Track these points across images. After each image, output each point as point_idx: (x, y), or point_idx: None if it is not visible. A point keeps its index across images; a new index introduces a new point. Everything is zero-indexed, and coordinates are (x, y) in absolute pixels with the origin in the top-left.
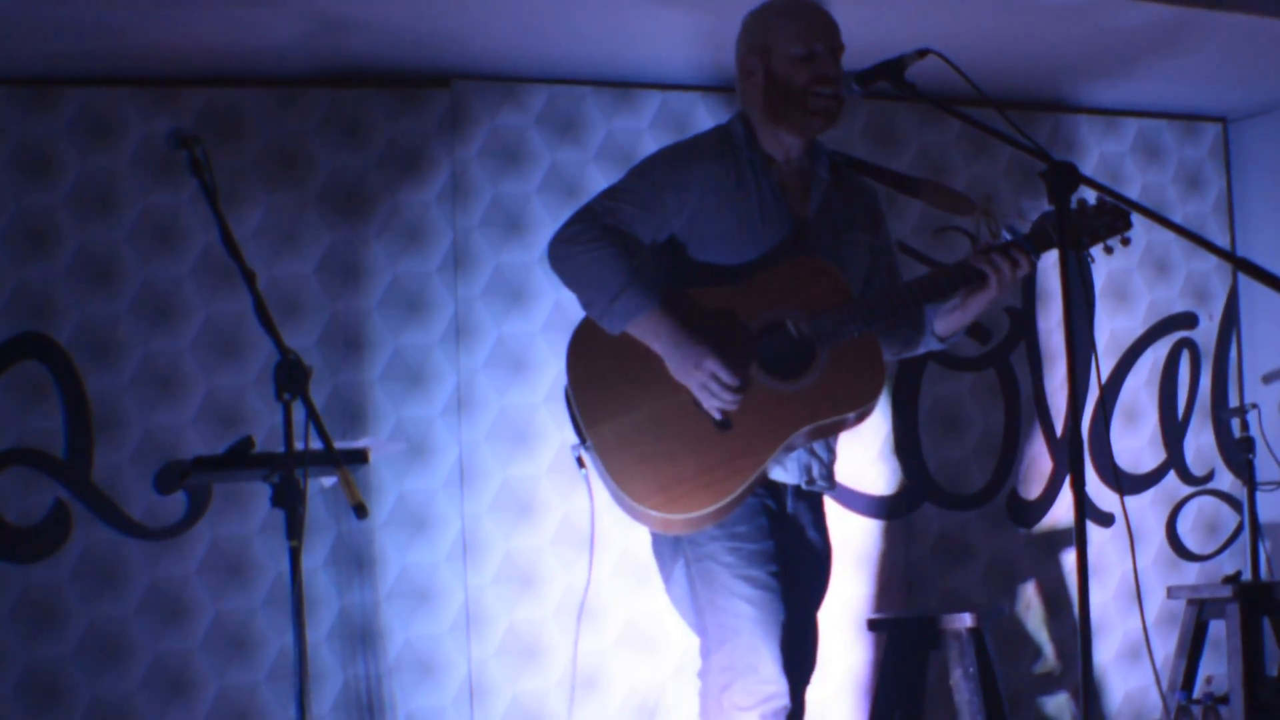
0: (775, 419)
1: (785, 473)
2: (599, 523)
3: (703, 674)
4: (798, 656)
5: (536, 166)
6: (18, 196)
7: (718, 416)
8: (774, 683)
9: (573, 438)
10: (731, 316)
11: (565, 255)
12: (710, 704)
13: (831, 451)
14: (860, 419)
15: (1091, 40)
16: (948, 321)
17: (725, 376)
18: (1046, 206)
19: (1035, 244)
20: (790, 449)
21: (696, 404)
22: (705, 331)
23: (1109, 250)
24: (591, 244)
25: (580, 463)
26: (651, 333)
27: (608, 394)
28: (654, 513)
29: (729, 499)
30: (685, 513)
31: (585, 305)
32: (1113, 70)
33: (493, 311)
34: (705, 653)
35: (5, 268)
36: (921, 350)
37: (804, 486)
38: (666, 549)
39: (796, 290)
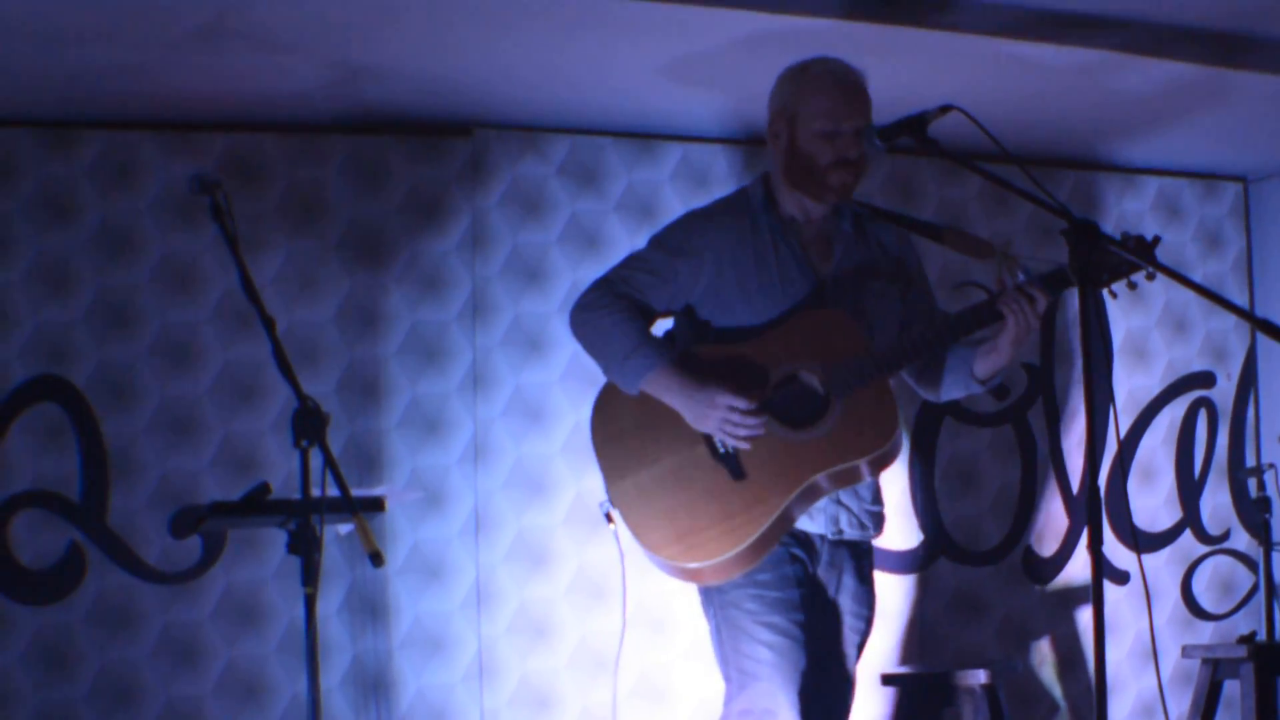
0: (788, 467)
1: (812, 523)
2: (613, 572)
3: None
4: (826, 708)
5: (557, 216)
6: (37, 239)
7: (745, 446)
8: None
9: (592, 489)
10: (746, 371)
11: (581, 322)
12: None
13: (862, 499)
14: (877, 466)
15: (1112, 98)
16: (985, 364)
17: (741, 404)
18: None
19: (1051, 283)
20: (809, 497)
21: (713, 457)
22: (721, 381)
23: (1133, 286)
24: (604, 311)
25: (609, 519)
26: (664, 388)
27: (628, 452)
28: (673, 562)
29: (745, 545)
30: (703, 561)
31: (603, 369)
32: (1133, 129)
33: (510, 361)
34: (728, 699)
35: (24, 310)
36: (963, 393)
37: (830, 536)
38: (704, 599)
39: (811, 343)
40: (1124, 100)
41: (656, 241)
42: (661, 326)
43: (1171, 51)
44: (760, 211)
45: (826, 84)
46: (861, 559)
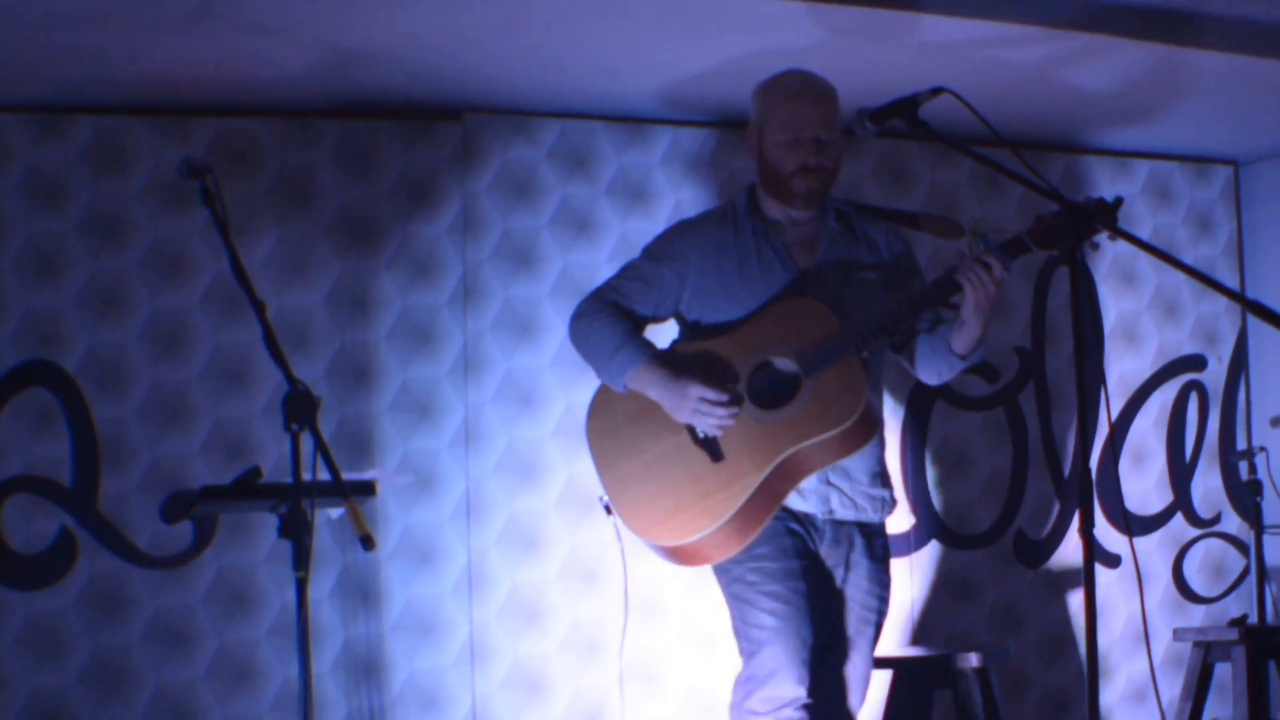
0: (761, 446)
1: (803, 502)
2: (605, 556)
3: (733, 690)
4: (823, 675)
5: (547, 200)
6: (28, 224)
7: (716, 433)
8: (792, 689)
9: (584, 472)
10: (723, 360)
11: (575, 331)
12: (734, 717)
13: (856, 482)
14: (847, 441)
15: (1099, 83)
16: (960, 338)
17: (711, 394)
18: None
19: (1008, 249)
20: (788, 474)
21: (694, 443)
22: (697, 373)
23: (1095, 247)
24: (593, 317)
25: (609, 511)
26: (645, 382)
27: (618, 445)
28: (659, 543)
29: (722, 521)
30: (684, 538)
31: (596, 372)
32: (1124, 112)
33: (501, 345)
34: (740, 669)
35: (14, 295)
36: (949, 371)
37: (821, 516)
38: (718, 580)
39: (784, 328)
40: (1112, 85)
41: (646, 251)
42: (663, 333)
43: (1160, 35)
44: (744, 217)
45: (785, 96)
46: (873, 538)
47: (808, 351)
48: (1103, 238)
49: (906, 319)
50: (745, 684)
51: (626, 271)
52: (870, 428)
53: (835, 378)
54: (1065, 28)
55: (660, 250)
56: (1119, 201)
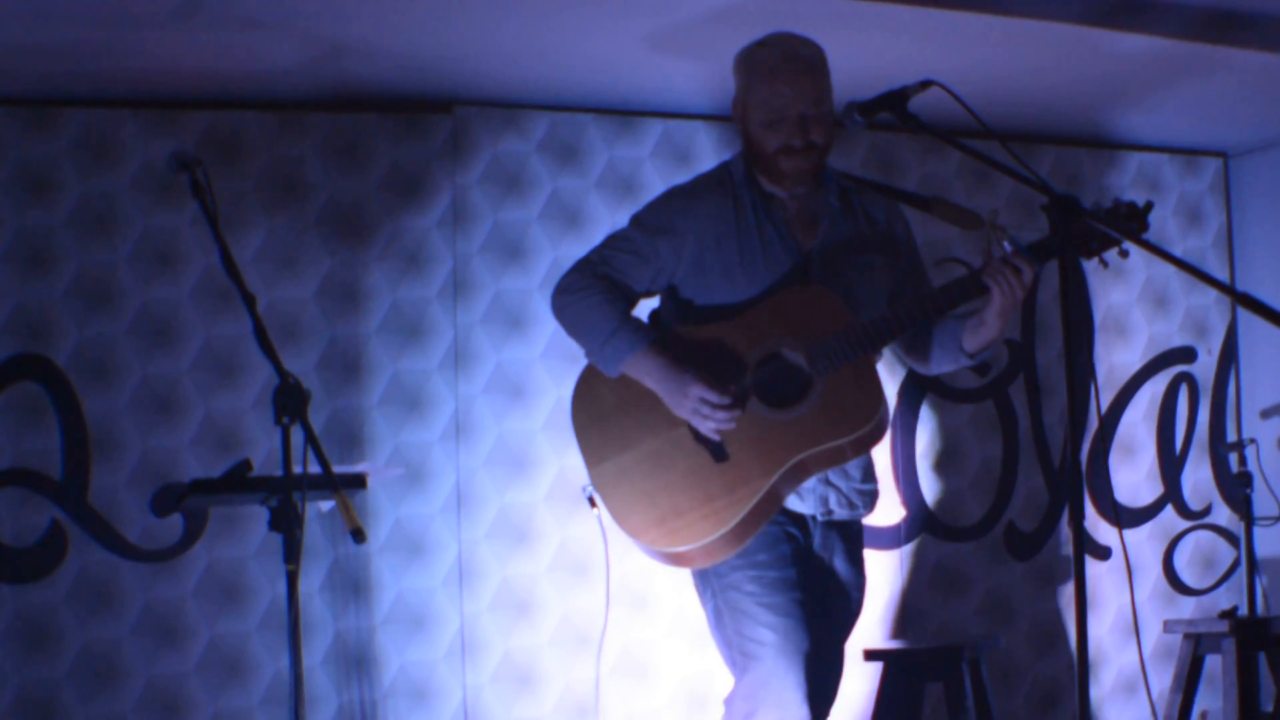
0: (771, 448)
1: (801, 503)
2: (596, 549)
3: (728, 700)
4: (819, 688)
5: (537, 193)
6: (18, 217)
7: (716, 438)
8: (796, 710)
9: (574, 465)
10: (728, 350)
11: (562, 305)
12: None
13: (851, 479)
14: (860, 446)
15: (1093, 74)
16: (974, 338)
17: (713, 397)
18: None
19: (1038, 252)
20: (795, 478)
21: (694, 438)
22: (700, 365)
23: (1124, 254)
24: (584, 292)
25: (592, 503)
26: (644, 371)
27: (609, 434)
28: (654, 547)
29: (727, 529)
30: (684, 545)
31: (585, 352)
32: (1114, 104)
33: (492, 337)
34: (735, 683)
35: (4, 288)
36: (952, 366)
37: (819, 517)
38: (700, 583)
39: (794, 319)
40: (1105, 76)
41: (637, 220)
42: (646, 305)
43: (1152, 27)
44: (743, 187)
45: (765, 71)
46: (851, 542)
47: (819, 347)
48: (1130, 243)
49: (926, 320)
50: (746, 700)
51: (618, 242)
52: (883, 432)
53: (850, 379)
54: (1093, 25)
55: (656, 222)
56: (1149, 206)
